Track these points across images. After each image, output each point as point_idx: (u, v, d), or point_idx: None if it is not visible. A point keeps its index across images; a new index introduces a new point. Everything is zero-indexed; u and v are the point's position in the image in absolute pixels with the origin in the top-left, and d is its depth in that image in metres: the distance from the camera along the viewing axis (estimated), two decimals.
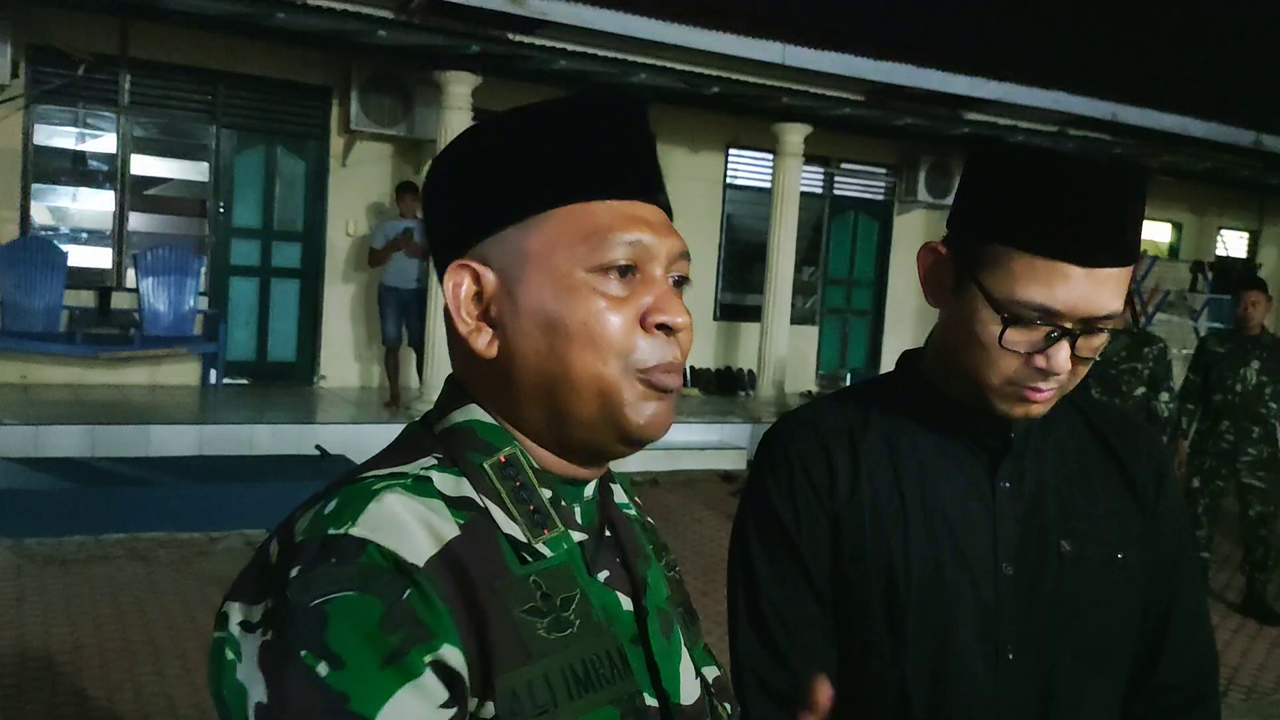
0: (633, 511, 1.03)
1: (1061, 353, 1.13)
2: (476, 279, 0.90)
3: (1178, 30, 15.36)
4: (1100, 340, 1.16)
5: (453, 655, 0.79)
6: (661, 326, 0.88)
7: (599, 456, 0.93)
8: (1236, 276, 12.21)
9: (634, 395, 0.88)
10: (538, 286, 0.88)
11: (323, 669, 0.75)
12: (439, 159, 0.95)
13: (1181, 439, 6.05)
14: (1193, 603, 1.34)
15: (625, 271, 0.88)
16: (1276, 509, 6.05)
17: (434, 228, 0.96)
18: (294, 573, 0.78)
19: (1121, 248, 1.12)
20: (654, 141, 0.94)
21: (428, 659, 0.77)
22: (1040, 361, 1.14)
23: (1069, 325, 1.13)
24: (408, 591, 0.78)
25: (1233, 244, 15.59)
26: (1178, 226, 14.91)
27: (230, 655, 0.80)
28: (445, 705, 0.78)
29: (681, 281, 0.92)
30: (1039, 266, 1.11)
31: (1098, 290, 1.11)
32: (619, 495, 1.02)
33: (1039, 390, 1.16)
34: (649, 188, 0.92)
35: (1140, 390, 5.67)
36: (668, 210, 0.94)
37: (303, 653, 0.76)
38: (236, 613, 0.81)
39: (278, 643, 0.77)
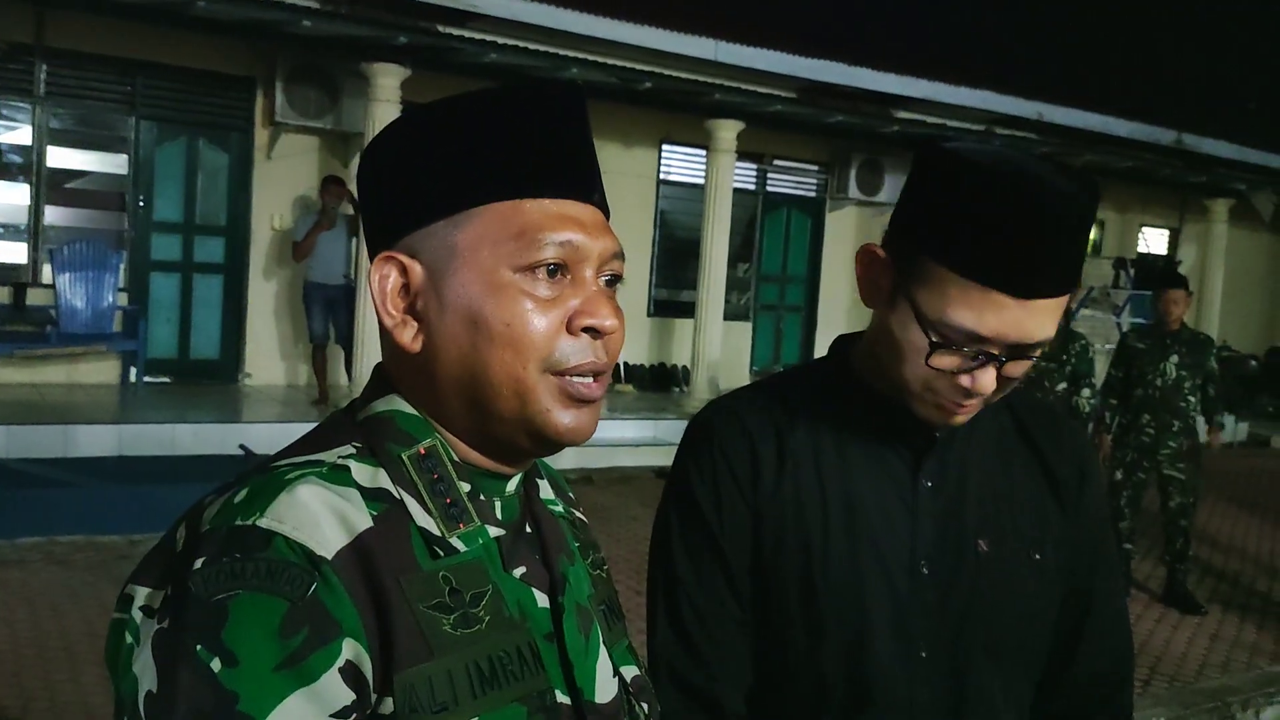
0: (559, 508, 1.02)
1: (987, 376, 1.12)
2: (404, 271, 0.88)
3: (1102, 32, 15.69)
4: (1028, 363, 1.13)
5: (357, 651, 0.77)
6: (588, 329, 0.87)
7: (519, 455, 0.92)
8: (1158, 273, 12.52)
9: (551, 401, 0.87)
10: (464, 283, 0.86)
11: (216, 665, 0.74)
12: (371, 146, 0.93)
13: (1105, 433, 6.18)
14: (1110, 600, 1.35)
15: (554, 272, 0.86)
16: (1196, 500, 6.20)
17: (366, 217, 0.94)
18: (198, 564, 0.77)
19: (1062, 279, 1.09)
20: (590, 137, 0.92)
21: (331, 663, 0.76)
22: (965, 381, 1.12)
23: (996, 352, 1.10)
24: (314, 586, 0.76)
25: (1154, 241, 15.98)
26: (1101, 224, 15.23)
27: (129, 639, 0.80)
28: (341, 713, 0.76)
29: (614, 280, 0.90)
30: (972, 292, 1.08)
31: (1030, 318, 1.08)
32: (545, 491, 1.01)
33: (961, 405, 1.15)
34: (583, 186, 0.90)
35: (1062, 386, 5.79)
36: (604, 208, 0.92)
37: (198, 647, 0.75)
38: (139, 596, 0.80)
39: (174, 633, 0.76)
